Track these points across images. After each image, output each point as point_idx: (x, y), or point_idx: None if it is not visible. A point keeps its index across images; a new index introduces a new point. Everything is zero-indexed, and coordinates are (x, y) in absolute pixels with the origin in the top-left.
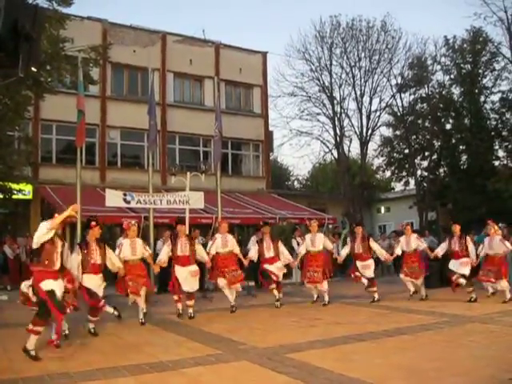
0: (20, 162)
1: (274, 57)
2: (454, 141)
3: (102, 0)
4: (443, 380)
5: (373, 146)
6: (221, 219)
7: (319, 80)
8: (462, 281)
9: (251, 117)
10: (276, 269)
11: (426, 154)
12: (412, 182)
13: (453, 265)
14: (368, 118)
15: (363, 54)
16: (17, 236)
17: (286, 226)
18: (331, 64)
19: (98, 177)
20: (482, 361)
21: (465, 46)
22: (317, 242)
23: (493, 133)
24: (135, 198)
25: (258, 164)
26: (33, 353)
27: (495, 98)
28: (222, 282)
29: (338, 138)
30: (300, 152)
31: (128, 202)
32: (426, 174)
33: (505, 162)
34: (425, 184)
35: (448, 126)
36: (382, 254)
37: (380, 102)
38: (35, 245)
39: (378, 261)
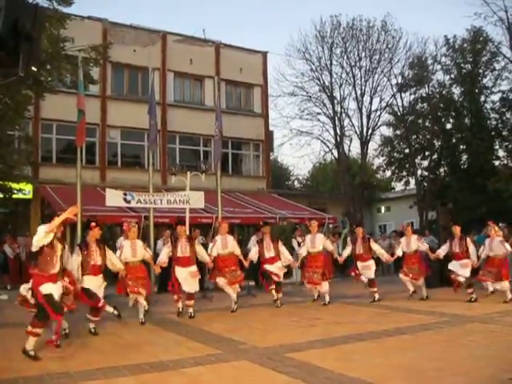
0: (20, 161)
1: (275, 56)
2: (454, 140)
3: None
4: (443, 380)
5: (373, 145)
6: (221, 220)
7: (319, 80)
8: (462, 279)
9: (251, 116)
10: (277, 269)
11: (427, 153)
12: (412, 181)
13: (453, 266)
14: (368, 117)
15: (363, 54)
16: (17, 235)
17: (286, 225)
18: (331, 64)
19: (99, 176)
20: (482, 361)
21: (465, 45)
22: (317, 242)
23: (493, 132)
24: (135, 198)
25: (259, 164)
26: (32, 353)
27: (495, 97)
28: (221, 280)
29: (338, 138)
30: (300, 152)
31: (128, 202)
32: (426, 173)
33: (505, 162)
34: (425, 184)
35: (448, 126)
36: (383, 255)
37: (380, 102)
38: (34, 248)
39: (378, 261)
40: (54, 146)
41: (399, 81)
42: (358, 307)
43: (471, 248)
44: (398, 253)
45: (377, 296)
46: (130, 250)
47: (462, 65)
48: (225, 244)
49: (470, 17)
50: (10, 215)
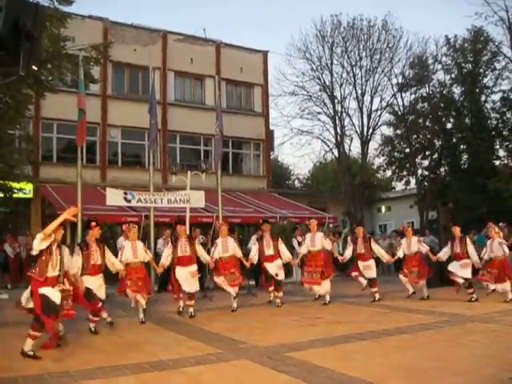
0: (21, 160)
1: (275, 56)
2: (454, 140)
3: None
4: (443, 379)
5: (373, 145)
6: (221, 222)
7: (320, 79)
8: (460, 280)
9: (252, 116)
10: (276, 268)
11: (427, 153)
12: (413, 181)
13: (453, 266)
14: (369, 117)
15: (364, 53)
16: (17, 235)
17: (286, 225)
18: (332, 63)
19: (99, 176)
20: (482, 360)
21: (466, 45)
22: (316, 241)
23: (493, 132)
24: (136, 197)
25: (259, 163)
26: (31, 353)
27: (496, 97)
28: (220, 279)
29: (338, 137)
30: (301, 151)
31: (129, 201)
32: (426, 173)
33: (505, 162)
34: (425, 183)
35: (449, 126)
36: (383, 255)
37: (381, 101)
38: (34, 252)
39: (378, 261)
40: (55, 145)
41: (400, 80)
42: (358, 307)
43: (470, 248)
44: (399, 254)
45: (377, 296)
46: (131, 251)
47: (463, 64)
48: (225, 247)
49: (470, 16)
50: (11, 214)
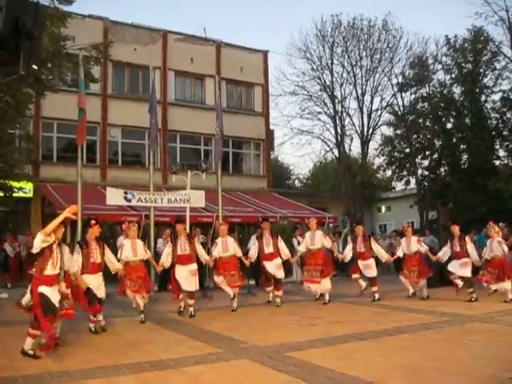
0: (21, 160)
1: (275, 56)
2: (454, 140)
3: None
4: (443, 379)
5: (374, 145)
6: (220, 222)
7: (320, 79)
8: (460, 282)
9: (252, 115)
10: (275, 267)
11: (427, 153)
12: (413, 181)
13: (452, 266)
14: (369, 117)
15: (364, 53)
16: (17, 234)
17: (286, 224)
18: (332, 63)
19: (99, 175)
20: (482, 360)
21: (466, 45)
22: (316, 239)
23: (493, 132)
24: (136, 197)
25: (259, 163)
26: (31, 352)
27: (496, 97)
28: (219, 279)
29: (338, 137)
30: (301, 151)
31: (129, 201)
32: (426, 173)
33: (505, 162)
34: (425, 183)
35: (449, 126)
36: (383, 255)
37: (381, 101)
38: (35, 250)
39: (377, 260)
40: (55, 144)
41: (400, 80)
42: (358, 306)
43: (470, 247)
44: (399, 253)
45: (377, 295)
46: (131, 250)
47: (463, 64)
48: (225, 247)
49: (470, 16)
50: (11, 214)
